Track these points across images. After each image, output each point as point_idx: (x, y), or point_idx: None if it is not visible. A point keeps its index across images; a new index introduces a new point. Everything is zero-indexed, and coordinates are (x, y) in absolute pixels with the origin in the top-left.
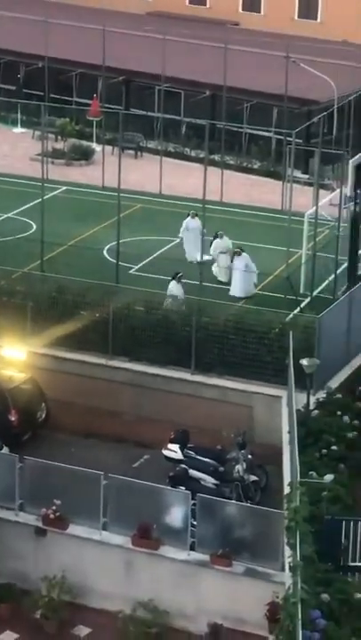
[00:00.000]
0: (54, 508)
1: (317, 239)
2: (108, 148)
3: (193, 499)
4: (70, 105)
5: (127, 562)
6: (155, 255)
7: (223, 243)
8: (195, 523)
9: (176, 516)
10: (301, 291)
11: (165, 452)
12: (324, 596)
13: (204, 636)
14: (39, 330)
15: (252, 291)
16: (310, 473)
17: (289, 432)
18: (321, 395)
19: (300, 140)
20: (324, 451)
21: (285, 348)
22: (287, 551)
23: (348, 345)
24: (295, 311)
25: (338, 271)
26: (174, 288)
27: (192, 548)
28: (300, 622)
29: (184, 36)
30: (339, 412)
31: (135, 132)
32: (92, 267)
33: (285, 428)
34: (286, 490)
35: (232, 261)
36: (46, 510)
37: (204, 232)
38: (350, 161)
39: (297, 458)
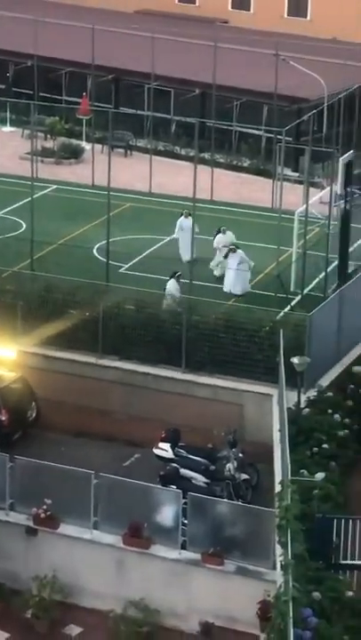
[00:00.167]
0: (45, 507)
1: (308, 237)
2: (98, 147)
3: (184, 497)
4: (60, 103)
5: (118, 561)
6: (145, 254)
7: (226, 238)
8: (186, 521)
9: (167, 514)
10: (292, 289)
11: (156, 451)
12: (316, 595)
13: (195, 634)
14: (29, 329)
15: (247, 288)
16: (301, 471)
17: (280, 430)
18: (312, 393)
19: (290, 138)
20: (315, 449)
21: (276, 346)
22: (278, 549)
23: (338, 343)
24: (286, 309)
25: (328, 269)
26: (173, 287)
27: (183, 547)
28: (291, 620)
29: (173, 35)
30: (330, 411)
31: (125, 131)
32: (82, 265)
33: (276, 426)
34: (277, 488)
35: (225, 258)
36: (37, 510)
37: (198, 231)
38: (340, 159)
39: (288, 456)
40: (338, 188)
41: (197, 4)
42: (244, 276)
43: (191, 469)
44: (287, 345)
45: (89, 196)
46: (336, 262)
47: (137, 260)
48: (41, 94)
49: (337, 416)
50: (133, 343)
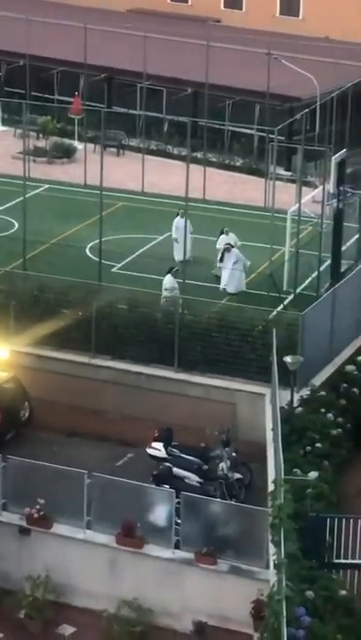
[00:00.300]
0: (38, 507)
1: (300, 236)
2: (90, 146)
3: (177, 497)
4: (52, 103)
5: (111, 560)
6: (137, 253)
7: (228, 239)
8: (179, 521)
9: (160, 514)
10: (285, 288)
11: (149, 451)
12: (309, 594)
13: (188, 634)
14: (22, 328)
15: (241, 287)
16: (294, 470)
17: (273, 429)
18: (305, 392)
19: (283, 137)
20: (308, 448)
21: (269, 345)
22: (272, 549)
23: (331, 342)
24: (278, 308)
25: (321, 268)
26: (169, 282)
27: (177, 547)
28: (284, 619)
29: (166, 34)
30: (323, 410)
31: (117, 130)
32: (74, 265)
33: (269, 425)
34: (270, 487)
35: (221, 259)
36: (30, 509)
37: (192, 230)
38: (333, 158)
39: (281, 455)
40: (330, 186)
41: (190, 4)
42: (238, 275)
43: (184, 469)
44: (280, 344)
45: (81, 195)
46: (329, 261)
47: (129, 259)
48: (33, 93)
49: (330, 415)
50: (126, 343)
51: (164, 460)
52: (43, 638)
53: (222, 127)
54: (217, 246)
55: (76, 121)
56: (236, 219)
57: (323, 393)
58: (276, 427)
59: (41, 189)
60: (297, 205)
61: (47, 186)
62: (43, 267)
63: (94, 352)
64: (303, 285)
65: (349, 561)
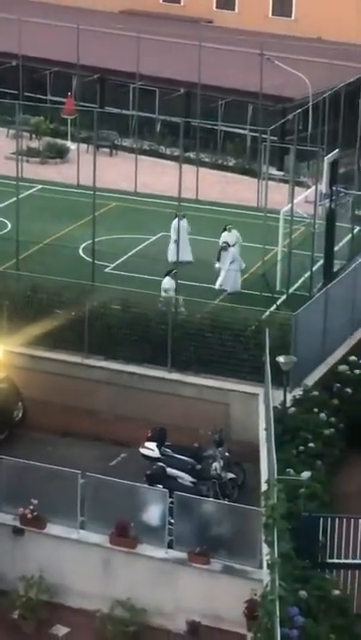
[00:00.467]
0: (31, 507)
1: (293, 236)
2: (83, 147)
3: (170, 497)
4: (45, 103)
5: (105, 560)
6: (130, 253)
7: (231, 236)
8: (172, 521)
9: (154, 514)
10: (277, 288)
11: (142, 451)
12: (302, 593)
13: (182, 634)
14: (15, 329)
15: (237, 287)
16: (287, 470)
17: (266, 429)
18: (298, 392)
19: (275, 138)
20: (301, 448)
21: (262, 345)
22: (265, 548)
23: (324, 342)
24: (271, 308)
25: (314, 268)
26: (168, 284)
27: (170, 546)
28: (278, 619)
29: (158, 34)
30: (315, 409)
31: (110, 131)
32: (67, 265)
33: (262, 425)
34: (264, 487)
35: (218, 259)
36: (23, 510)
37: (190, 231)
38: (325, 158)
39: (274, 455)
40: (323, 187)
41: (182, 4)
42: (234, 274)
43: (178, 469)
44: (273, 344)
45: (74, 195)
46: (322, 261)
47: (123, 259)
48: (26, 94)
49: (323, 415)
50: (119, 343)
51: (157, 459)
52: (36, 639)
53: (215, 127)
54: (220, 243)
55: (69, 121)
56: (228, 219)
57: (316, 393)
58: (269, 427)
59: (34, 190)
60: (290, 205)
61: (40, 186)
62: (36, 267)
63: (87, 352)
64: (296, 285)
65: (343, 561)
